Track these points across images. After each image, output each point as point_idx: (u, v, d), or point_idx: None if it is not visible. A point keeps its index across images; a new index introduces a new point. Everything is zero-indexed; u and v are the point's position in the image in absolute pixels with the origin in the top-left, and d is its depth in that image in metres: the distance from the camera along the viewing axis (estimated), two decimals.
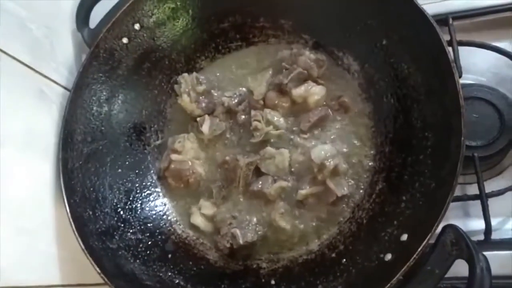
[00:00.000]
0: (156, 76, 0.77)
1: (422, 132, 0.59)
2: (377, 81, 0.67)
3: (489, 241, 0.64)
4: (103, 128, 0.72)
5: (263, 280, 0.64)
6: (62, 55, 0.71)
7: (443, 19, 0.72)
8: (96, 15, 0.74)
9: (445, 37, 0.59)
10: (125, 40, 0.73)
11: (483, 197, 0.64)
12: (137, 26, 0.73)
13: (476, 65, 0.75)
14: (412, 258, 0.49)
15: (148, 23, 0.73)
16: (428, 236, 0.49)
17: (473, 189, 0.67)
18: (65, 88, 0.71)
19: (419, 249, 0.49)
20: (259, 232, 0.67)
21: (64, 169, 0.65)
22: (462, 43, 0.70)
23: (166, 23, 0.75)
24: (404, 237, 0.54)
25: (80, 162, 0.68)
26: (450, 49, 0.62)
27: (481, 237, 0.64)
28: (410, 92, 0.61)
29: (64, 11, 0.73)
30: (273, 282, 0.63)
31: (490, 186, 0.67)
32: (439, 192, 0.52)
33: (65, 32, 0.73)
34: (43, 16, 0.67)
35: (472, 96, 0.70)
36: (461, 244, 0.50)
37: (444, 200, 0.49)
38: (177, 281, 0.64)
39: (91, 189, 0.67)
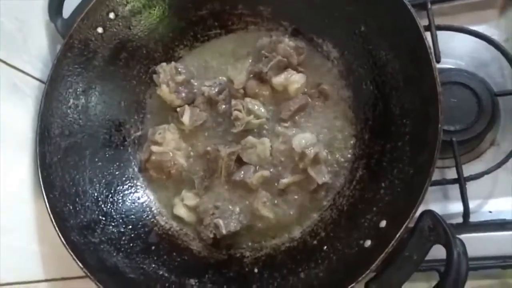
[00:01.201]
0: (133, 66, 0.76)
1: (400, 119, 0.59)
2: (356, 68, 0.67)
3: (467, 224, 0.65)
4: (80, 121, 0.70)
5: (246, 269, 0.65)
6: (36, 47, 0.70)
7: (422, 3, 0.71)
8: (70, 5, 0.72)
9: (423, 22, 0.59)
10: (100, 30, 0.71)
11: (461, 181, 0.65)
12: (112, 15, 0.71)
13: (455, 49, 0.75)
14: (390, 244, 0.50)
15: (123, 11, 0.72)
16: (406, 223, 0.50)
17: (452, 173, 0.68)
18: (40, 80, 0.69)
19: (397, 236, 0.50)
20: (242, 222, 0.67)
21: (42, 164, 0.64)
22: (440, 28, 0.70)
23: (142, 11, 0.73)
24: (383, 223, 0.55)
25: (58, 156, 0.67)
26: (428, 33, 0.62)
27: (460, 220, 0.66)
28: (389, 79, 0.61)
29: (35, 1, 0.71)
30: (256, 270, 0.64)
31: (469, 169, 0.68)
32: (417, 178, 0.53)
33: (37, 23, 0.71)
34: (13, 7, 0.65)
35: (451, 80, 0.70)
36: (438, 230, 0.50)
37: (422, 186, 0.50)
38: (161, 272, 0.65)
39: (71, 183, 0.67)
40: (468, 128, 0.68)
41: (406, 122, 0.58)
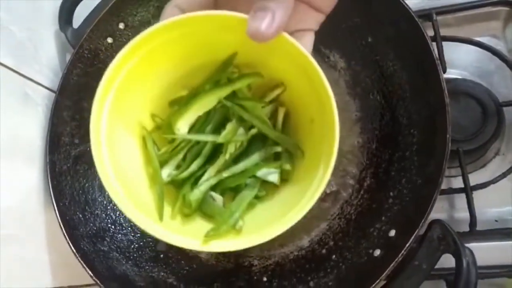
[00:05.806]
0: None
1: (408, 129, 0.60)
2: (363, 78, 0.67)
3: (473, 233, 0.65)
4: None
5: (255, 278, 0.65)
6: (46, 57, 0.70)
7: (427, 14, 0.72)
8: (80, 15, 0.73)
9: (429, 32, 0.60)
10: (110, 40, 0.72)
11: (468, 191, 0.65)
12: (121, 25, 0.72)
13: (459, 59, 0.76)
14: (400, 254, 0.50)
15: (133, 22, 0.72)
16: (415, 233, 0.50)
17: (458, 182, 0.69)
18: (50, 89, 0.70)
19: (407, 245, 0.50)
20: None
21: (52, 173, 0.65)
22: (446, 38, 0.71)
23: (151, 21, 0.74)
24: (392, 233, 0.55)
25: (68, 165, 0.67)
26: (434, 44, 0.63)
27: (466, 229, 0.66)
28: (396, 90, 0.62)
29: (46, 11, 0.72)
30: (265, 279, 0.64)
31: (474, 178, 0.69)
32: (425, 189, 0.53)
33: (48, 33, 0.72)
34: (24, 17, 0.66)
35: (456, 90, 0.71)
36: (447, 239, 0.51)
37: (430, 197, 0.51)
38: (170, 280, 0.65)
39: (80, 191, 0.67)
40: (474, 138, 0.69)
41: (413, 132, 0.59)
